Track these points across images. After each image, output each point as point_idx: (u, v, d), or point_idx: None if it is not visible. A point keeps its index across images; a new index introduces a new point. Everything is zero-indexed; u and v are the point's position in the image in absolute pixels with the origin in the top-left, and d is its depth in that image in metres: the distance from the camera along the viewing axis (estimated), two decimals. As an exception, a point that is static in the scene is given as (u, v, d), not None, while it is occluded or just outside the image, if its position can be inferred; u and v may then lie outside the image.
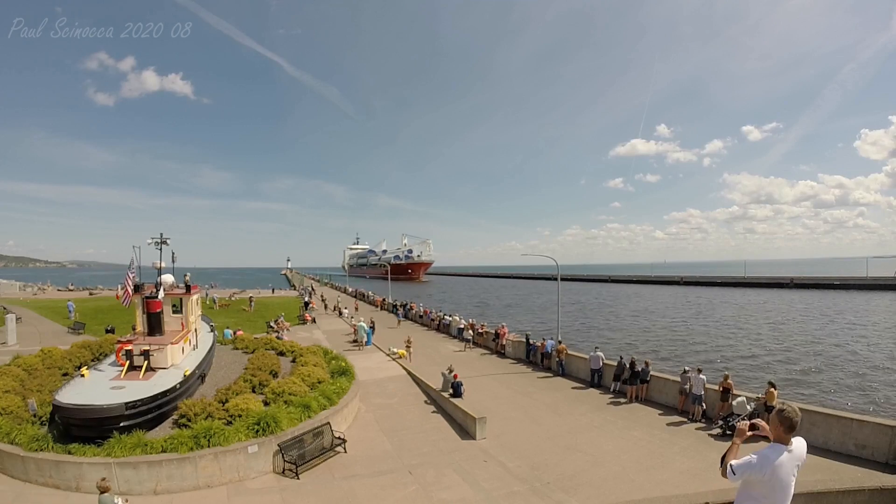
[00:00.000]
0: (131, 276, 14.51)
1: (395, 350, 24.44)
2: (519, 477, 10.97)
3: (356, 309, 46.50)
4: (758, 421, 4.08)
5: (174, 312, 15.99)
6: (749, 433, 3.99)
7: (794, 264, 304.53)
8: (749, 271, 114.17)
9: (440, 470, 11.37)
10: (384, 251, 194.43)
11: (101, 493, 8.03)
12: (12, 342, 25.18)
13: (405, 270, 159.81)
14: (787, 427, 3.76)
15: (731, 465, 3.84)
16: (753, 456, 3.80)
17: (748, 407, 13.28)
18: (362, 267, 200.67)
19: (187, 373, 13.24)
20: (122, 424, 10.64)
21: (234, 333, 24.83)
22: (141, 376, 12.67)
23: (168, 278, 16.18)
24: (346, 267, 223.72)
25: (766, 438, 3.96)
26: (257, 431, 11.35)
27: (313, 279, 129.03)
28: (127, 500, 8.36)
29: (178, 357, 14.44)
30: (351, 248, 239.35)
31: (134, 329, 16.58)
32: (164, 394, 11.73)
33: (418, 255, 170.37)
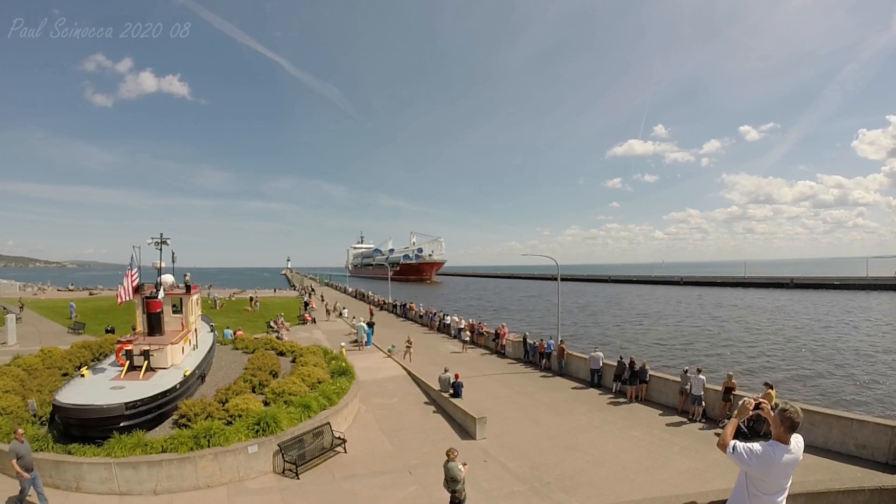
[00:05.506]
0: (131, 274, 14.58)
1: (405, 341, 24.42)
2: (519, 477, 10.97)
3: (371, 314, 40.74)
4: (763, 402, 4.05)
5: (174, 312, 16.02)
6: (752, 412, 3.98)
7: (793, 264, 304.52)
8: (749, 271, 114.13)
9: (440, 470, 11.32)
10: (391, 250, 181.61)
11: (449, 461, 8.75)
12: (12, 342, 25.20)
13: (416, 270, 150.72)
14: (788, 426, 3.75)
15: (735, 444, 3.83)
16: (759, 448, 3.79)
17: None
18: (368, 267, 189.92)
19: (187, 373, 13.24)
20: (122, 424, 10.64)
21: (234, 333, 24.83)
22: (141, 376, 12.67)
23: (168, 278, 16.21)
24: (350, 267, 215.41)
25: (766, 423, 3.96)
26: (257, 431, 11.35)
27: (312, 279, 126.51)
28: (465, 465, 9.01)
29: (178, 357, 14.44)
30: (355, 248, 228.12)
31: (134, 329, 16.58)
32: (164, 394, 11.73)
33: (429, 255, 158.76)
